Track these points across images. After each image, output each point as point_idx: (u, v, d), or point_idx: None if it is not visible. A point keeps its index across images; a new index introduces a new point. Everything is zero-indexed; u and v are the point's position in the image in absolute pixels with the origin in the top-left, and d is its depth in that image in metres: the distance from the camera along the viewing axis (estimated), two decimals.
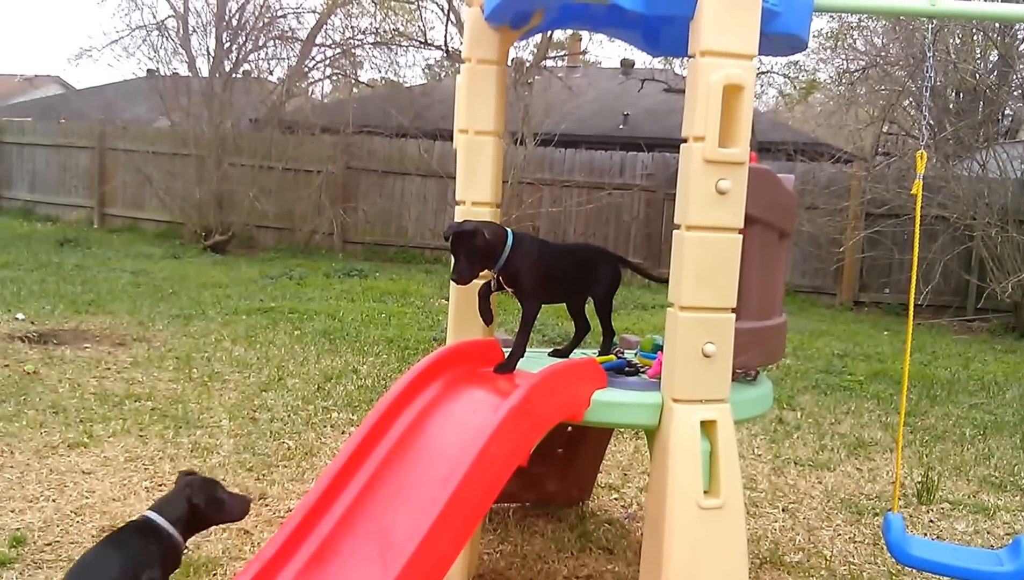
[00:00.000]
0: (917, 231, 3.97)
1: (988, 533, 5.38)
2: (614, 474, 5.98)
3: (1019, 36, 15.24)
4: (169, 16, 19.40)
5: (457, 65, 4.48)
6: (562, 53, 25.15)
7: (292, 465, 5.75)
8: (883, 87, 16.98)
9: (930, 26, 5.84)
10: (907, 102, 16.46)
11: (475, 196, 4.13)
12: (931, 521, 5.52)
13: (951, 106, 15.99)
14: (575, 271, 4.13)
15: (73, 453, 5.69)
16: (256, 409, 6.91)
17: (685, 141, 3.34)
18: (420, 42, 22.67)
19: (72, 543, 4.42)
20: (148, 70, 20.80)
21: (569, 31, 22.60)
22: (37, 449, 5.69)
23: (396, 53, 22.43)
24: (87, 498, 4.99)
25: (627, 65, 26.29)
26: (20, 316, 9.58)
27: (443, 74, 24.46)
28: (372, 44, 21.79)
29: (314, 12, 21.25)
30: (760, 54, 3.39)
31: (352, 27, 21.56)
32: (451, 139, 4.21)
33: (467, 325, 4.11)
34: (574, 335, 4.30)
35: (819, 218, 15.09)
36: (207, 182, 17.81)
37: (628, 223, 17.34)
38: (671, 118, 18.93)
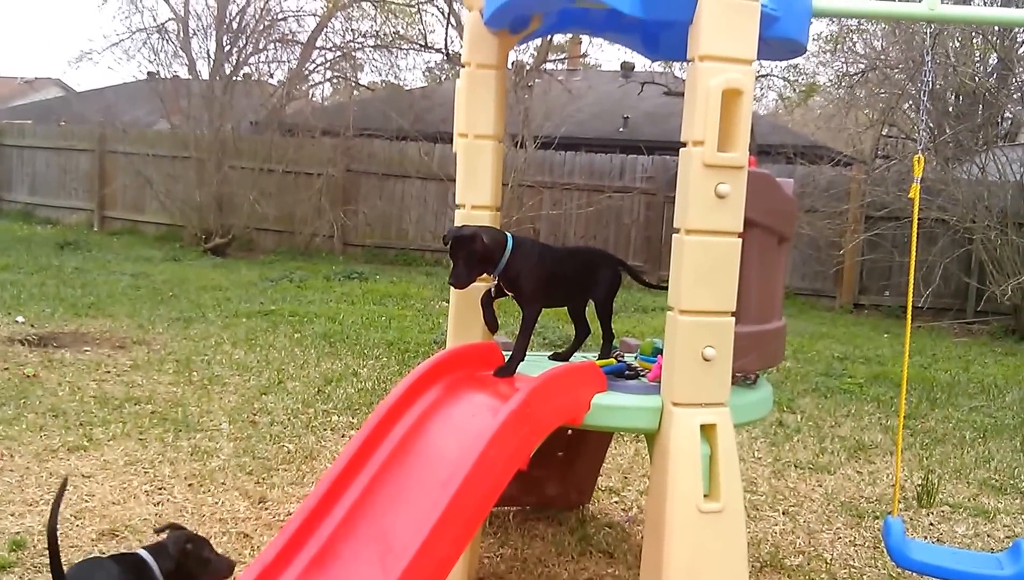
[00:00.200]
0: (915, 235, 3.97)
1: (988, 536, 5.39)
2: (614, 477, 5.98)
3: (1018, 39, 15.24)
4: (169, 19, 19.43)
5: (457, 68, 4.49)
6: (562, 56, 25.16)
7: (292, 468, 5.75)
8: (883, 90, 16.98)
9: (929, 30, 5.84)
10: (907, 105, 16.47)
11: (475, 199, 4.13)
12: (931, 524, 5.52)
13: (951, 109, 15.98)
14: (575, 274, 4.14)
15: (73, 457, 5.69)
16: (256, 412, 6.91)
17: (684, 145, 3.35)
18: (420, 45, 22.66)
19: (72, 547, 4.42)
20: (148, 73, 20.81)
21: (569, 34, 22.60)
22: (37, 452, 5.70)
23: (396, 56, 22.39)
24: (87, 502, 5.00)
25: (627, 68, 26.28)
26: (20, 319, 9.59)
27: (443, 77, 24.44)
28: (372, 47, 21.79)
29: (314, 15, 21.29)
30: (759, 58, 3.40)
31: (352, 30, 21.57)
32: (451, 142, 4.22)
33: (467, 328, 4.11)
34: (574, 338, 4.30)
35: (819, 221, 15.08)
36: (207, 185, 17.80)
37: (628, 226, 17.34)
38: (671, 121, 18.91)
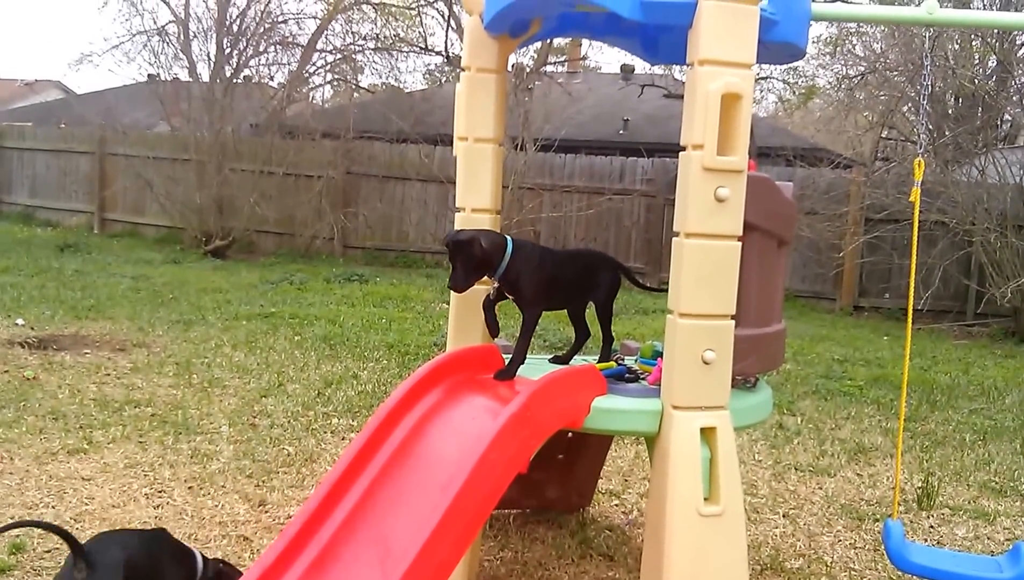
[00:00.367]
0: (915, 238, 3.98)
1: (988, 539, 5.38)
2: (615, 480, 5.98)
3: (1018, 42, 15.28)
4: (170, 21, 19.49)
5: (457, 70, 4.51)
6: (562, 59, 25.18)
7: (292, 471, 5.75)
8: (882, 92, 17.01)
9: (928, 33, 5.85)
10: (906, 107, 16.50)
11: (475, 203, 4.14)
12: (931, 527, 5.52)
13: (950, 112, 16.01)
14: (576, 277, 4.14)
15: (73, 459, 5.69)
16: (256, 415, 6.92)
17: (684, 149, 3.35)
18: (420, 48, 22.70)
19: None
20: (149, 75, 20.84)
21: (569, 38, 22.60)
22: (37, 455, 5.70)
23: (397, 59, 22.43)
24: (87, 505, 5.00)
25: (627, 71, 26.31)
26: (20, 322, 9.59)
27: (443, 79, 24.45)
28: (373, 50, 21.82)
29: (315, 18, 21.30)
30: (758, 62, 3.40)
31: (353, 33, 21.61)
32: (452, 144, 4.23)
33: (468, 330, 4.11)
34: (574, 341, 4.31)
35: (819, 223, 15.10)
36: (207, 187, 17.82)
37: (628, 228, 17.36)
38: (671, 123, 18.93)
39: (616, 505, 5.58)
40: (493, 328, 4.01)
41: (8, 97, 39.86)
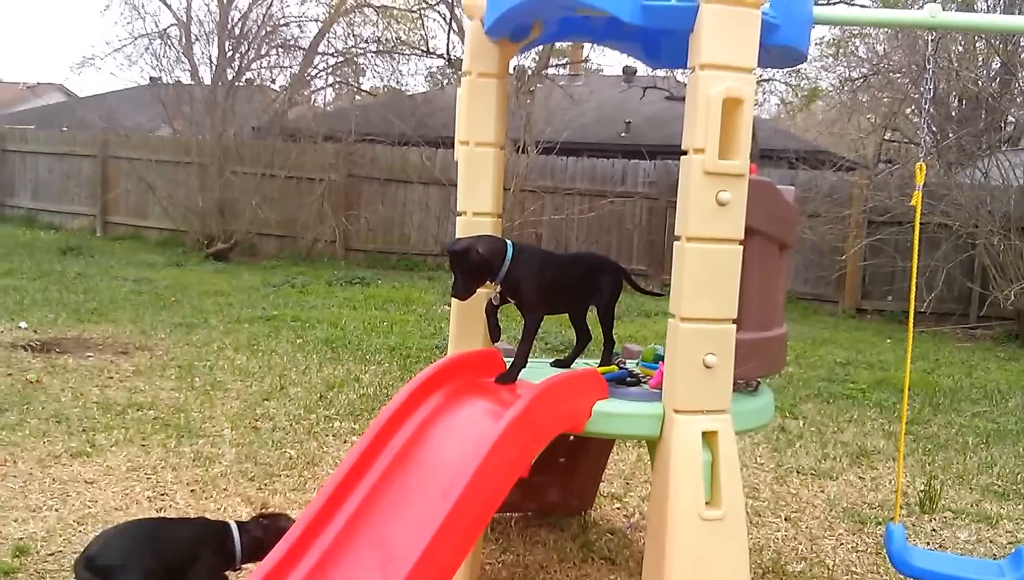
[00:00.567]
0: (916, 242, 3.98)
1: (991, 542, 5.38)
2: (616, 483, 5.98)
3: (1021, 44, 15.24)
4: (172, 24, 19.48)
5: (459, 73, 4.52)
6: (564, 61, 25.17)
7: (294, 474, 5.76)
8: (885, 94, 17.00)
9: (931, 36, 5.85)
10: (910, 109, 16.49)
11: (476, 206, 4.14)
12: (934, 530, 5.52)
13: (953, 114, 16.00)
14: (578, 281, 4.14)
15: (76, 462, 5.70)
16: (258, 418, 6.92)
17: (685, 153, 3.35)
18: (422, 51, 22.70)
19: (75, 553, 4.40)
20: (151, 78, 20.87)
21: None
22: (40, 458, 5.70)
23: (398, 61, 22.45)
24: (90, 507, 5.00)
25: (629, 73, 26.29)
26: (23, 325, 9.60)
27: (445, 82, 24.47)
28: (374, 52, 21.83)
29: (316, 21, 21.30)
30: (759, 66, 3.40)
31: (354, 36, 21.61)
32: (453, 146, 4.23)
33: (469, 334, 4.12)
34: (576, 345, 4.30)
35: (821, 226, 15.07)
36: (209, 190, 17.83)
37: (630, 231, 17.34)
38: (673, 126, 18.91)
39: (618, 508, 5.59)
40: (495, 333, 4.01)
41: (10, 100, 39.90)
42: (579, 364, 4.20)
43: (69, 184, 22.04)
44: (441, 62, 22.92)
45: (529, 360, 3.86)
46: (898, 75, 16.14)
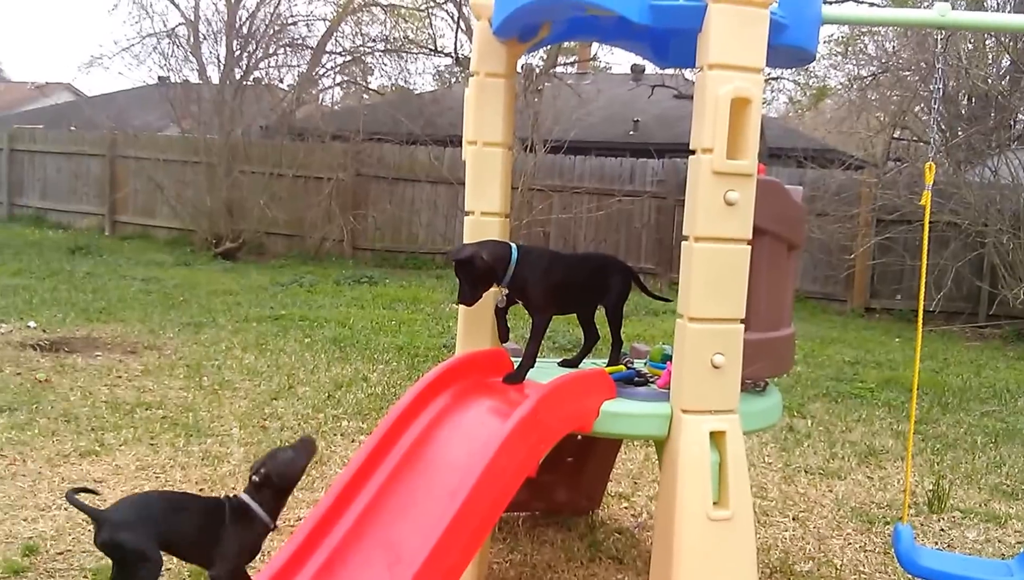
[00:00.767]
0: (926, 241, 3.96)
1: (999, 542, 5.37)
2: (624, 483, 5.98)
3: None
4: (180, 24, 19.45)
5: (467, 73, 4.52)
6: (572, 59, 25.14)
7: None
8: (895, 92, 16.95)
9: (940, 34, 5.83)
10: (919, 107, 16.42)
11: (484, 206, 4.15)
12: (942, 530, 5.51)
13: (963, 112, 15.95)
14: (586, 281, 4.13)
15: (85, 462, 5.71)
16: (266, 417, 6.93)
17: (694, 152, 3.35)
18: (430, 49, 22.68)
19: (84, 552, 4.44)
20: (159, 78, 20.87)
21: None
22: (49, 457, 5.72)
23: (406, 60, 22.43)
24: (99, 506, 5.00)
25: (637, 71, 26.27)
26: (32, 324, 9.62)
27: (453, 81, 24.45)
28: (382, 51, 21.83)
29: (324, 20, 21.27)
30: (768, 66, 3.40)
31: (362, 34, 21.59)
32: (461, 145, 4.23)
33: (476, 333, 4.12)
34: (584, 344, 4.30)
35: (830, 225, 15.03)
36: (218, 189, 17.86)
37: (639, 230, 17.32)
38: (681, 124, 18.89)
39: (625, 508, 5.58)
40: (503, 334, 4.02)
41: (19, 100, 40.02)
42: (587, 364, 4.20)
43: (78, 184, 22.09)
44: (449, 61, 22.91)
45: (537, 359, 3.87)
46: (907, 73, 16.10)
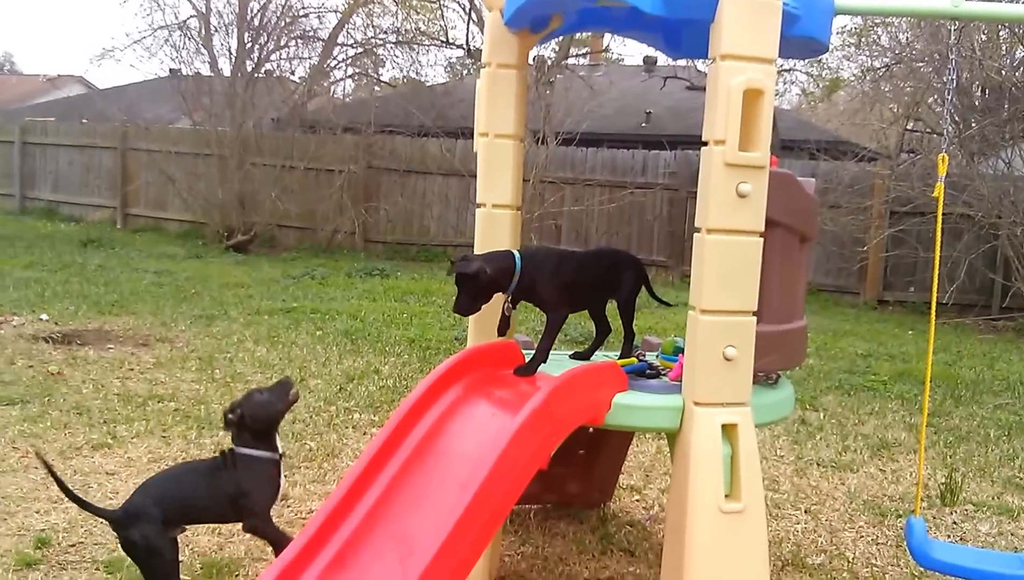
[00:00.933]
0: (939, 233, 3.94)
1: (1012, 535, 5.35)
2: (636, 475, 5.97)
3: None
4: (191, 16, 19.47)
5: (478, 64, 4.52)
6: (584, 51, 25.10)
7: (314, 466, 5.77)
8: (908, 84, 16.89)
9: (954, 25, 5.80)
10: (932, 99, 16.36)
11: (496, 198, 4.14)
12: (955, 523, 5.49)
13: (976, 103, 15.88)
14: (598, 279, 4.11)
15: (97, 454, 5.73)
16: None
17: (706, 144, 3.34)
18: (442, 41, 22.66)
19: (96, 544, 4.45)
20: (170, 70, 20.89)
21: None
22: (61, 450, 5.73)
23: (418, 52, 22.44)
24: (111, 499, 5.01)
25: (649, 63, 26.23)
26: (44, 317, 9.65)
27: (465, 73, 24.43)
28: (394, 43, 21.83)
29: (336, 12, 21.32)
30: (780, 57, 3.38)
31: (374, 26, 21.62)
32: (473, 137, 4.22)
33: (488, 325, 4.10)
34: (595, 337, 4.29)
35: (843, 217, 14.99)
36: (229, 182, 17.89)
37: (651, 222, 17.29)
38: (694, 116, 18.84)
39: (637, 501, 5.58)
40: (503, 327, 4.01)
41: (31, 93, 40.12)
42: (599, 356, 4.19)
43: (89, 176, 22.15)
44: (461, 52, 22.87)
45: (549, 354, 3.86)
46: (921, 64, 16.03)
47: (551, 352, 3.86)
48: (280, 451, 3.78)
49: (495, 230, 4.14)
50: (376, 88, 23.11)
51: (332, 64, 21.38)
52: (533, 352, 3.80)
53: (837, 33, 20.12)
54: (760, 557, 3.40)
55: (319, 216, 18.60)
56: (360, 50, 21.59)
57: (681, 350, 3.79)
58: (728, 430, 3.39)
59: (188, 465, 3.99)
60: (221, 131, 18.36)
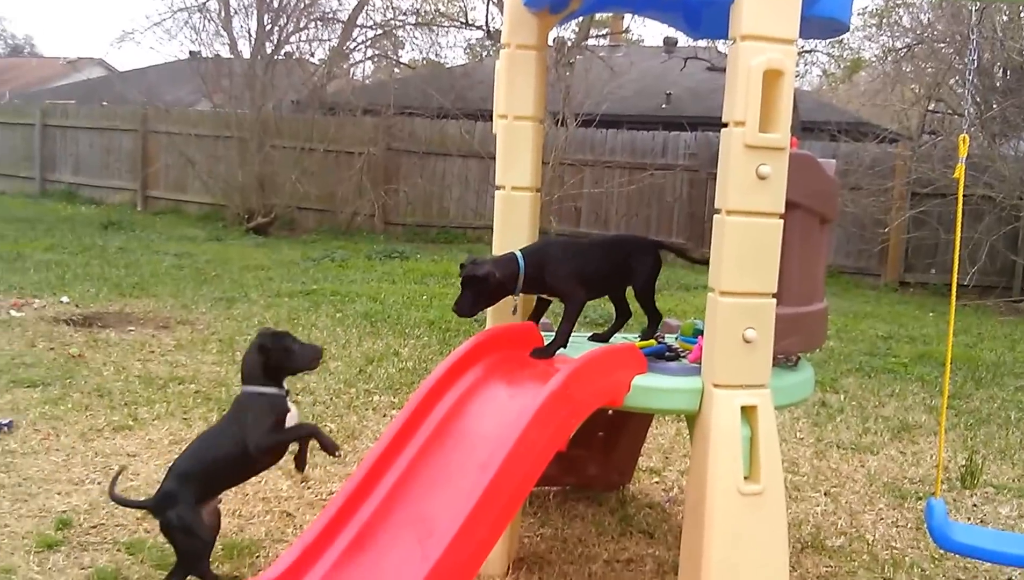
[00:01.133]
0: (960, 215, 3.92)
1: None
2: (655, 457, 5.97)
3: None
4: None
5: (498, 45, 4.52)
6: (604, 32, 25.01)
7: None
8: (929, 64, 16.78)
9: (975, 6, 5.76)
10: (954, 80, 16.25)
11: (515, 181, 4.13)
12: (975, 505, 5.47)
13: (998, 84, 15.77)
14: (613, 268, 4.11)
15: (118, 436, 5.75)
16: (298, 392, 6.93)
17: (726, 125, 3.32)
18: (461, 22, 22.62)
19: (117, 526, 4.48)
20: (190, 52, 20.95)
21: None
22: (83, 432, 5.76)
23: (437, 34, 22.42)
24: (132, 481, 5.05)
25: (670, 43, 26.10)
26: (65, 299, 9.70)
27: (484, 54, 24.39)
28: (413, 25, 21.79)
29: None
30: (801, 37, 3.36)
31: (393, 8, 21.60)
32: (492, 119, 4.22)
33: (506, 308, 4.11)
34: (615, 320, 4.29)
35: (864, 198, 14.92)
36: (249, 164, 17.93)
37: (671, 204, 17.25)
38: (714, 97, 18.75)
39: (656, 482, 5.57)
40: (537, 316, 4.04)
41: (51, 76, 40.23)
42: (618, 339, 4.19)
43: (110, 159, 22.24)
44: (480, 34, 22.83)
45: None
46: (942, 45, 15.93)
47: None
48: (286, 389, 3.91)
49: (514, 212, 4.14)
50: (396, 70, 23.13)
51: (352, 46, 21.39)
52: (553, 334, 3.80)
53: (858, 14, 20.03)
54: (779, 539, 3.40)
55: (339, 198, 18.62)
56: (380, 32, 21.59)
57: (701, 332, 3.79)
58: (748, 412, 3.38)
59: (212, 431, 4.01)
60: (241, 113, 18.40)
